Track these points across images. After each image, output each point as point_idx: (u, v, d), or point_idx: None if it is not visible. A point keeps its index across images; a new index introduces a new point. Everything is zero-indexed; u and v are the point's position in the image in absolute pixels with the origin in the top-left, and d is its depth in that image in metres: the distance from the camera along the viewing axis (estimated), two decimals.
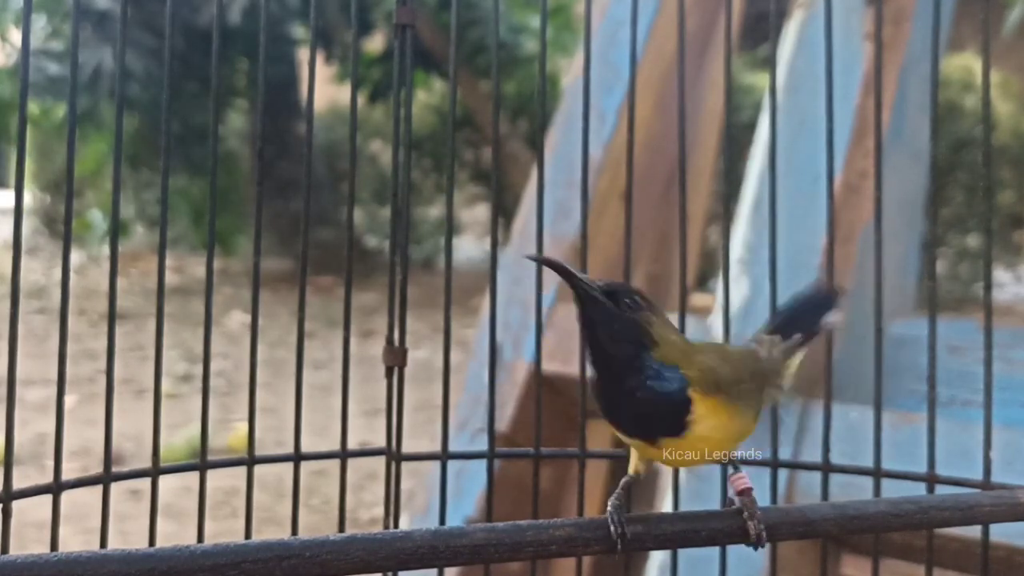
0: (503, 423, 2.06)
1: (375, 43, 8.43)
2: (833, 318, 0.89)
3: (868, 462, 1.07)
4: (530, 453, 1.10)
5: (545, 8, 1.12)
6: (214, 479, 1.05)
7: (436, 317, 1.02)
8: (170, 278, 4.09)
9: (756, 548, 0.79)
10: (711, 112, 2.62)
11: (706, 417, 0.75)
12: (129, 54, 6.47)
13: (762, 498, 1.05)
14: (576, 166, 1.12)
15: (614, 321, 0.75)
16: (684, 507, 1.00)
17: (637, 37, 1.14)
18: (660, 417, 0.75)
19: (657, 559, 1.81)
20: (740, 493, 0.79)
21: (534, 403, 1.11)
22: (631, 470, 0.82)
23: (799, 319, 0.89)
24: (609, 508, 0.76)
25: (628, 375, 0.75)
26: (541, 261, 0.79)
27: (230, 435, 4.07)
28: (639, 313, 0.76)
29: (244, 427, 1.09)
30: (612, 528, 0.75)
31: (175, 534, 2.17)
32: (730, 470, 0.81)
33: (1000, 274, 7.13)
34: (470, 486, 2.01)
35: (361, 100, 5.40)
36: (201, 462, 1.04)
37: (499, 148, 1.23)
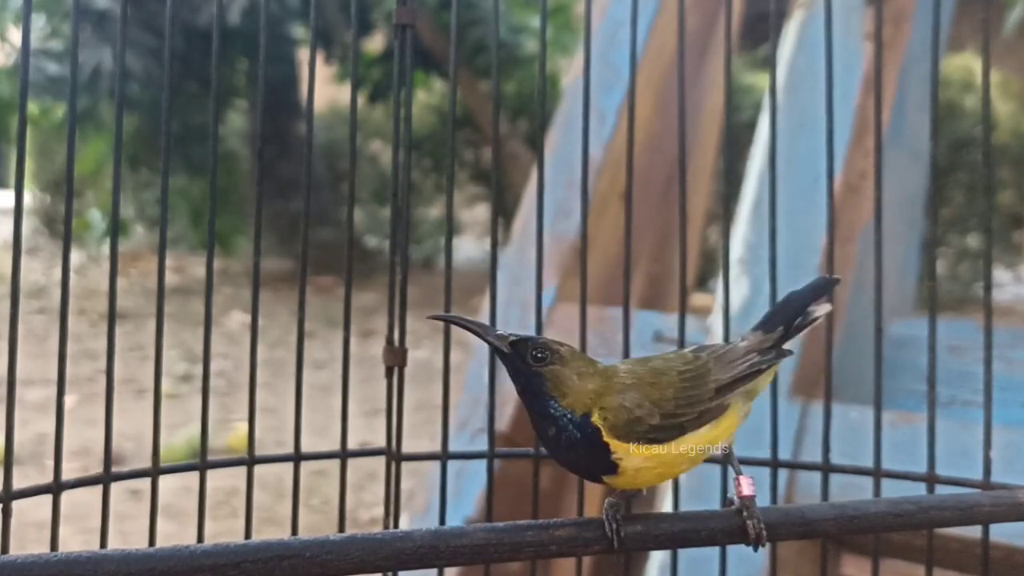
0: (503, 423, 2.06)
1: (375, 43, 8.43)
2: (819, 308, 0.89)
3: (868, 462, 1.07)
4: (530, 453, 1.10)
5: (545, 8, 1.12)
6: (214, 479, 1.05)
7: None
8: (170, 278, 4.09)
9: (756, 548, 0.79)
10: (711, 112, 2.63)
11: (630, 456, 0.76)
12: (129, 54, 6.47)
13: (762, 498, 1.05)
14: (576, 166, 1.12)
15: (521, 375, 0.78)
16: (684, 507, 1.00)
17: (637, 37, 1.14)
18: (588, 462, 0.77)
19: (657, 559, 1.81)
20: (741, 496, 0.79)
21: None
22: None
23: (785, 312, 0.88)
24: (604, 507, 0.77)
25: (547, 425, 0.77)
26: (448, 320, 0.84)
27: (230, 435, 4.07)
28: (545, 367, 0.78)
29: (244, 427, 1.09)
30: (607, 528, 0.76)
31: (175, 534, 2.17)
32: (732, 472, 0.81)
33: (1000, 274, 7.13)
34: (470, 486, 2.01)
35: (361, 100, 5.40)
36: (201, 462, 1.04)
37: (499, 148, 1.23)
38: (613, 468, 0.76)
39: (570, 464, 0.78)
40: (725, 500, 0.80)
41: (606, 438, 0.76)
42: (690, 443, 0.78)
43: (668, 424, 0.77)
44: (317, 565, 0.68)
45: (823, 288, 0.90)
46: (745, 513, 0.78)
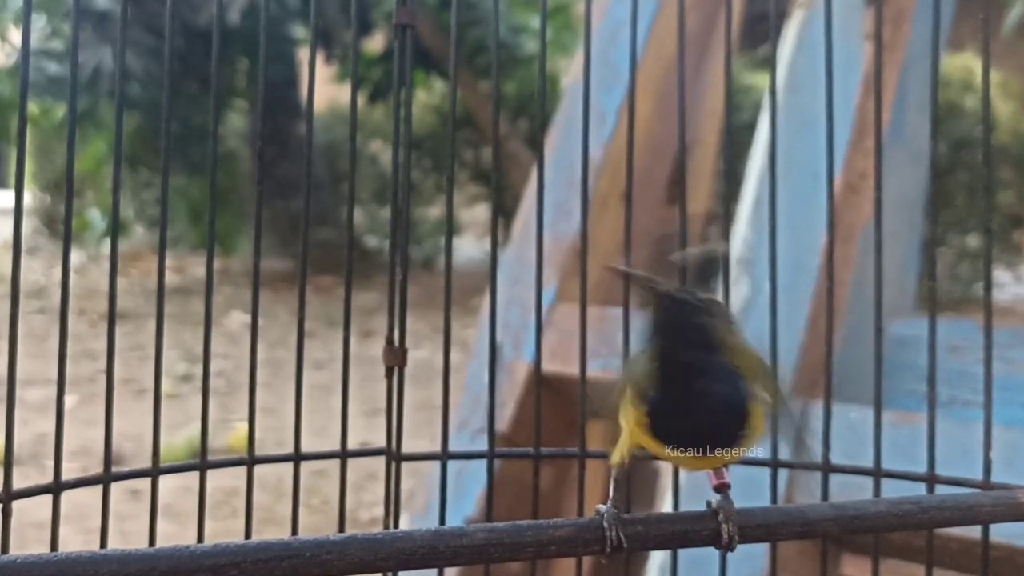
0: (503, 423, 2.06)
1: (375, 43, 8.42)
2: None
3: (868, 462, 1.07)
4: (530, 453, 1.10)
5: (545, 8, 1.12)
6: (214, 479, 1.05)
7: (436, 317, 1.02)
8: (170, 278, 4.09)
9: (724, 552, 0.78)
10: (711, 112, 2.62)
11: (756, 430, 0.73)
12: (129, 54, 6.47)
13: (762, 498, 1.05)
14: (576, 166, 1.12)
15: (686, 326, 0.72)
16: (684, 507, 1.00)
17: (637, 37, 1.14)
18: (724, 429, 0.73)
19: (657, 559, 1.81)
20: (717, 489, 0.77)
21: (534, 403, 1.11)
22: (615, 461, 0.80)
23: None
24: (605, 514, 0.75)
25: (696, 380, 0.72)
26: (621, 272, 0.77)
27: (230, 435, 4.07)
28: (713, 318, 0.73)
29: (244, 427, 1.09)
30: (608, 535, 0.74)
31: (175, 534, 2.17)
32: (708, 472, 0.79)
33: (1000, 274, 7.13)
34: (470, 486, 2.01)
35: (361, 100, 5.40)
36: (201, 462, 1.04)
37: (499, 148, 1.23)
38: (737, 441, 0.72)
39: (697, 430, 0.73)
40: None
41: (751, 406, 0.72)
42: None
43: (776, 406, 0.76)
44: (317, 565, 0.68)
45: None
46: (721, 516, 0.76)
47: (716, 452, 0.73)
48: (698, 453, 0.74)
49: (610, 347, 1.91)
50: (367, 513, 3.59)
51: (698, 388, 0.72)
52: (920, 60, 2.12)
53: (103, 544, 0.96)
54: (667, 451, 0.75)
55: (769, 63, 1.19)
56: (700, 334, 0.73)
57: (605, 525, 0.75)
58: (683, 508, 0.99)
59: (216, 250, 1.09)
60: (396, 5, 1.08)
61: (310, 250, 1.08)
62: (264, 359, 1.08)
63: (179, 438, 3.95)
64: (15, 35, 7.99)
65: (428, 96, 9.26)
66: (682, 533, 0.77)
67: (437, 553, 0.71)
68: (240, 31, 6.62)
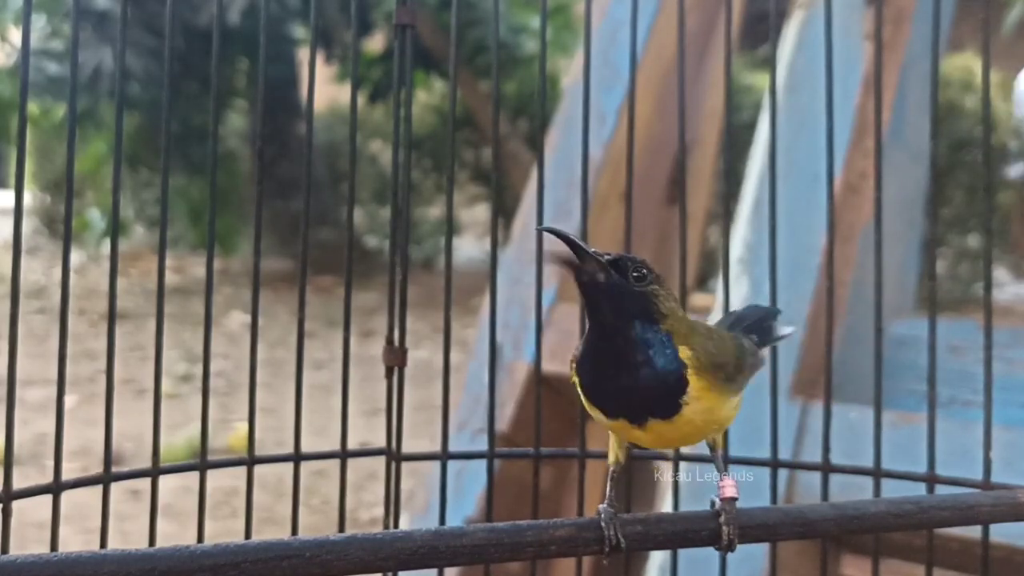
0: (503, 423, 2.06)
1: (375, 43, 8.42)
2: (783, 328, 0.90)
3: (868, 462, 1.07)
4: (530, 453, 1.10)
5: (545, 8, 1.12)
6: (214, 479, 1.05)
7: (436, 317, 1.02)
8: (170, 278, 4.09)
9: (724, 554, 0.78)
10: (711, 112, 2.62)
11: (698, 399, 0.73)
12: (129, 54, 6.47)
13: (762, 498, 1.05)
14: (576, 166, 1.12)
15: (622, 294, 0.73)
16: (684, 507, 1.00)
17: (637, 37, 1.14)
18: (656, 396, 0.73)
19: (657, 559, 1.81)
20: (723, 499, 0.77)
21: (534, 403, 1.11)
22: (611, 460, 0.81)
23: (748, 325, 0.89)
24: (603, 514, 0.75)
25: (630, 351, 0.72)
26: (549, 231, 0.75)
27: (230, 435, 4.07)
28: (648, 286, 0.74)
29: (244, 427, 1.09)
30: (606, 535, 0.74)
31: (175, 534, 2.17)
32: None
33: (1000, 274, 7.12)
34: (470, 486, 2.01)
35: (361, 100, 5.40)
36: (201, 462, 1.04)
37: (499, 148, 1.23)
38: (673, 411, 0.72)
39: (628, 398, 0.73)
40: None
41: (690, 375, 0.72)
42: (730, 408, 0.77)
43: (736, 377, 0.76)
44: (317, 565, 0.68)
45: (771, 315, 0.92)
46: (722, 518, 0.76)
47: (653, 420, 0.73)
48: (635, 423, 0.74)
49: None
50: (367, 513, 3.59)
51: (624, 355, 0.72)
52: (920, 60, 2.12)
53: (103, 544, 0.96)
54: (612, 422, 0.75)
55: (769, 63, 1.19)
56: (637, 302, 0.73)
57: (603, 525, 0.75)
58: (683, 508, 0.99)
59: (216, 250, 1.09)
60: (396, 5, 1.08)
61: (310, 250, 1.08)
62: (264, 359, 1.08)
63: (179, 438, 3.95)
64: (15, 35, 7.98)
65: (428, 96, 9.26)
66: (683, 533, 0.77)
67: (437, 553, 0.71)
68: (240, 31, 6.62)
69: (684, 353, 0.72)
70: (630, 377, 0.72)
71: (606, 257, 0.73)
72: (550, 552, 0.75)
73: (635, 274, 0.73)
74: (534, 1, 8.22)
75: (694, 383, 0.72)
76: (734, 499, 0.77)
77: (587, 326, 0.76)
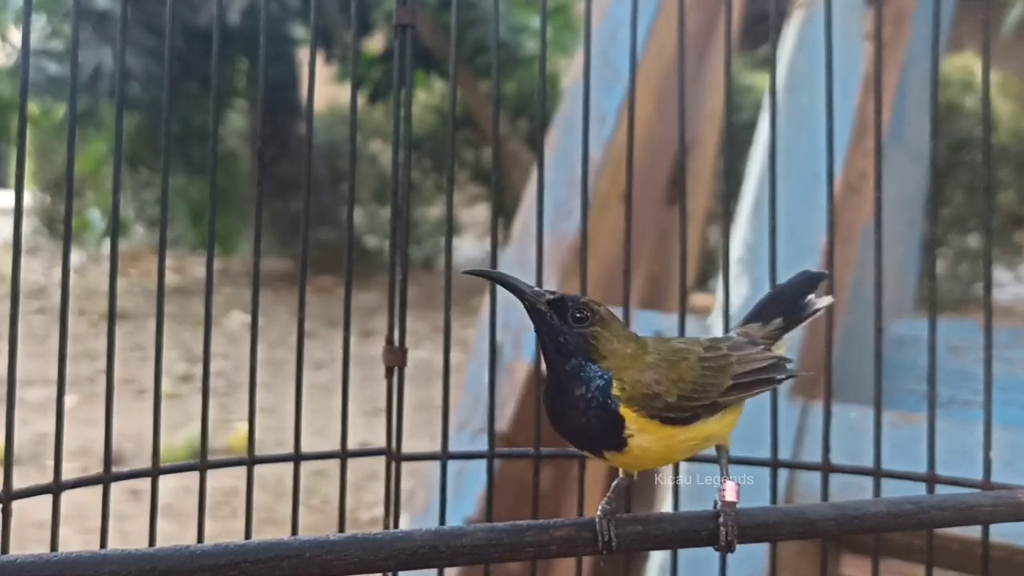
0: (503, 423, 2.06)
1: (375, 43, 8.42)
2: (820, 300, 0.88)
3: (868, 462, 1.07)
4: (530, 453, 1.10)
5: (545, 8, 1.12)
6: (214, 479, 1.05)
7: (436, 317, 1.03)
8: (170, 278, 4.09)
9: (723, 555, 0.79)
10: (711, 112, 2.62)
11: (641, 431, 0.74)
12: (129, 54, 6.46)
13: (762, 498, 1.05)
14: (576, 166, 1.12)
15: (560, 335, 0.75)
16: (684, 507, 1.00)
17: (637, 37, 1.14)
18: (600, 434, 0.75)
19: (657, 559, 1.81)
20: (724, 501, 0.78)
21: (534, 403, 1.11)
22: (622, 472, 0.82)
23: (779, 304, 0.88)
24: (599, 513, 0.76)
25: (571, 389, 0.75)
26: (480, 274, 0.80)
27: (230, 435, 4.07)
28: (587, 327, 0.76)
29: (244, 427, 1.09)
30: (599, 534, 0.75)
31: (175, 534, 2.17)
32: (720, 477, 0.80)
33: (1000, 274, 7.12)
34: (470, 486, 2.01)
35: (361, 100, 5.40)
36: (201, 462, 1.04)
37: (499, 148, 1.23)
38: (621, 444, 0.74)
39: (580, 434, 0.75)
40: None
41: (622, 410, 0.74)
42: (698, 431, 0.77)
43: (683, 406, 0.76)
44: (317, 565, 0.68)
45: (812, 281, 0.90)
46: (721, 518, 0.77)
47: (606, 454, 0.76)
48: (596, 455, 0.77)
49: None
50: (367, 513, 3.59)
51: (566, 393, 0.75)
52: (920, 60, 2.12)
53: (103, 544, 0.96)
54: (620, 461, 0.77)
55: (769, 63, 1.19)
56: (572, 341, 0.75)
57: (598, 525, 0.75)
58: (683, 508, 0.99)
59: (216, 250, 1.09)
60: (396, 5, 1.08)
61: (310, 250, 1.08)
62: (264, 359, 1.08)
63: (179, 438, 3.95)
64: (15, 35, 7.98)
65: (428, 96, 9.26)
66: (682, 533, 0.77)
67: (437, 553, 0.71)
68: (240, 31, 6.62)
69: (616, 389, 0.74)
70: (575, 415, 0.75)
71: (548, 297, 0.76)
72: (550, 552, 0.75)
73: (576, 315, 0.76)
74: (534, 1, 8.22)
75: (630, 417, 0.74)
76: (734, 503, 0.77)
77: None
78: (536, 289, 0.77)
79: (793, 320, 0.87)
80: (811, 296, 0.88)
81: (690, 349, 0.79)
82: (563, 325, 0.75)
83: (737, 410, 0.81)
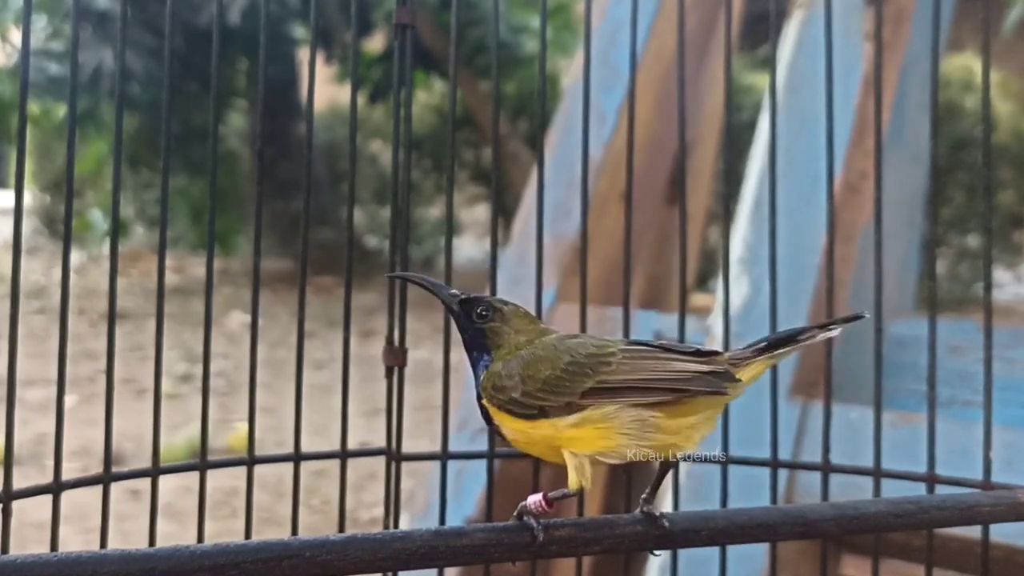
0: None
1: (375, 43, 8.42)
2: (820, 332, 0.82)
3: (868, 462, 1.07)
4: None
5: (545, 8, 1.12)
6: (214, 479, 1.05)
7: (436, 317, 1.02)
8: (170, 278, 4.09)
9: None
10: (711, 112, 2.62)
11: (502, 423, 0.81)
12: (129, 54, 6.46)
13: (762, 498, 1.05)
14: (576, 166, 1.12)
15: (466, 330, 0.85)
16: (684, 507, 1.00)
17: (637, 37, 1.14)
18: (486, 418, 0.82)
19: (657, 559, 1.81)
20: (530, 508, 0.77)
21: None
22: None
23: (781, 334, 0.83)
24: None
25: (476, 377, 0.84)
26: (401, 278, 0.93)
27: (230, 435, 4.07)
28: (486, 323, 0.84)
29: (244, 427, 1.09)
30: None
31: (175, 534, 2.17)
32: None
33: (1000, 274, 7.13)
34: (470, 486, 2.01)
35: (361, 100, 5.40)
36: (201, 462, 1.04)
37: (499, 148, 1.23)
38: (496, 430, 0.82)
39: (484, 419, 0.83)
40: (723, 501, 0.79)
41: (484, 400, 0.81)
42: (547, 430, 0.78)
43: (526, 402, 0.79)
44: (317, 565, 0.68)
45: (838, 322, 0.85)
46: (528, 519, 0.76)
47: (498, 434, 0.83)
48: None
49: None
50: (367, 513, 3.59)
51: (476, 383, 0.84)
52: (920, 60, 2.12)
53: (103, 544, 0.96)
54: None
55: (769, 63, 1.19)
56: (475, 336, 0.85)
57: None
58: (684, 508, 0.99)
59: (216, 250, 1.09)
60: (396, 5, 1.08)
61: (310, 250, 1.08)
62: (264, 359, 1.08)
63: (179, 438, 3.95)
64: (15, 35, 7.99)
65: (428, 96, 9.26)
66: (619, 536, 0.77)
67: (437, 553, 0.71)
68: (240, 31, 6.62)
69: (484, 378, 0.83)
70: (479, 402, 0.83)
71: (461, 297, 0.86)
72: (550, 552, 0.75)
73: (479, 311, 0.85)
74: (534, 1, 8.22)
75: (489, 407, 0.81)
76: (534, 513, 0.77)
77: None
78: (452, 291, 0.86)
79: (780, 341, 0.80)
80: (814, 330, 0.83)
81: (573, 350, 0.80)
82: (468, 322, 0.85)
83: (616, 421, 0.76)
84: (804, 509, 0.81)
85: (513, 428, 0.80)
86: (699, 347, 0.81)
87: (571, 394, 0.77)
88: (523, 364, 0.80)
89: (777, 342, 0.81)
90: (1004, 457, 1.03)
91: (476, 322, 0.84)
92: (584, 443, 0.77)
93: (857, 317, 0.87)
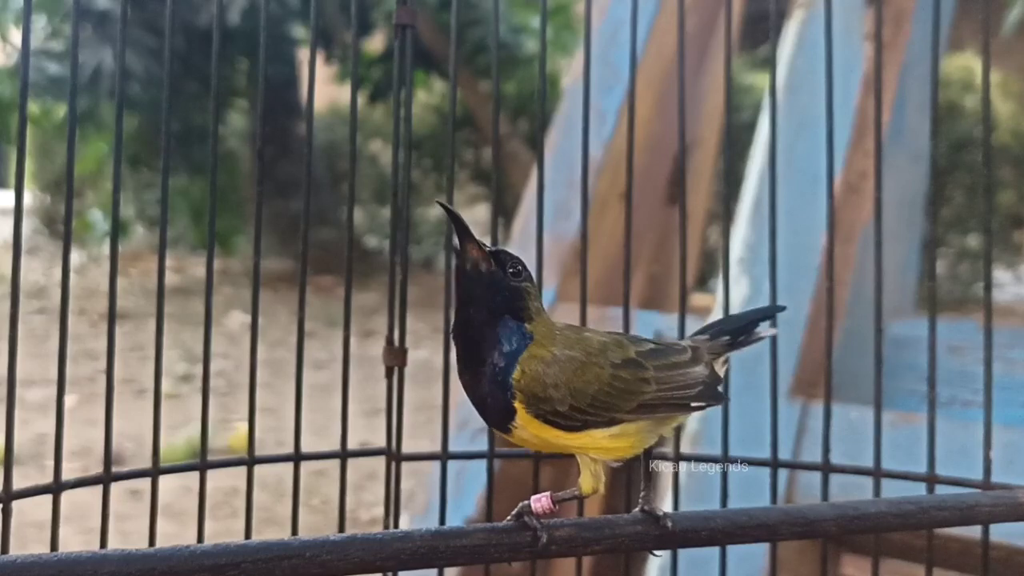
0: None
1: (375, 43, 8.42)
2: (765, 331, 0.84)
3: (868, 462, 1.07)
4: (530, 453, 1.09)
5: (545, 8, 1.12)
6: (214, 479, 1.05)
7: (436, 317, 1.02)
8: (170, 278, 4.09)
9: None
10: (711, 112, 2.62)
11: (525, 427, 0.73)
12: (129, 54, 6.46)
13: (762, 498, 1.05)
14: (576, 166, 1.12)
15: (498, 289, 0.72)
16: (684, 507, 1.00)
17: (637, 37, 1.14)
18: (492, 412, 0.73)
19: (656, 559, 1.81)
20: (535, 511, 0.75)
21: None
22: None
23: (729, 324, 0.84)
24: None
25: (488, 355, 0.72)
26: (442, 205, 0.78)
27: (230, 435, 4.07)
28: (523, 282, 0.73)
29: (244, 427, 1.09)
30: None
31: (175, 534, 2.17)
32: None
33: (1000, 274, 7.12)
34: (470, 486, 2.01)
35: (361, 100, 5.40)
36: (201, 462, 1.04)
37: (499, 148, 1.23)
38: (507, 431, 0.74)
39: (478, 407, 0.74)
40: (723, 501, 0.79)
41: (516, 403, 0.72)
42: (583, 440, 0.75)
43: (573, 416, 0.73)
44: (317, 565, 0.68)
45: (767, 313, 0.88)
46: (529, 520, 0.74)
47: (503, 432, 0.74)
48: (491, 426, 0.75)
49: None
50: (367, 513, 3.59)
51: (483, 362, 0.72)
52: (920, 60, 2.12)
53: (103, 544, 0.96)
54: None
55: (769, 63, 1.19)
56: (511, 296, 0.72)
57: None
58: (684, 508, 0.99)
59: (216, 250, 1.09)
60: (396, 5, 1.08)
61: (310, 250, 1.08)
62: (264, 359, 1.08)
63: (179, 438, 3.95)
64: (15, 35, 7.98)
65: (428, 96, 9.26)
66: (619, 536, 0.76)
67: (437, 553, 0.71)
68: (240, 31, 6.61)
69: (517, 374, 0.71)
70: (480, 388, 0.72)
71: (488, 248, 0.73)
72: (550, 552, 0.75)
73: (511, 269, 0.73)
74: (534, 1, 8.22)
75: (520, 411, 0.72)
76: (539, 514, 0.75)
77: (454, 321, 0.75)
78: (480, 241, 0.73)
79: (739, 342, 0.82)
80: (763, 325, 0.86)
81: (605, 354, 0.74)
82: (501, 276, 0.72)
83: (643, 431, 0.77)
84: (804, 509, 0.81)
85: (539, 434, 0.73)
86: (680, 342, 0.82)
87: (618, 411, 0.74)
88: (572, 372, 0.72)
89: (736, 332, 0.82)
90: (1004, 457, 1.03)
91: (511, 279, 0.72)
92: (616, 452, 0.76)
93: (778, 309, 0.90)
